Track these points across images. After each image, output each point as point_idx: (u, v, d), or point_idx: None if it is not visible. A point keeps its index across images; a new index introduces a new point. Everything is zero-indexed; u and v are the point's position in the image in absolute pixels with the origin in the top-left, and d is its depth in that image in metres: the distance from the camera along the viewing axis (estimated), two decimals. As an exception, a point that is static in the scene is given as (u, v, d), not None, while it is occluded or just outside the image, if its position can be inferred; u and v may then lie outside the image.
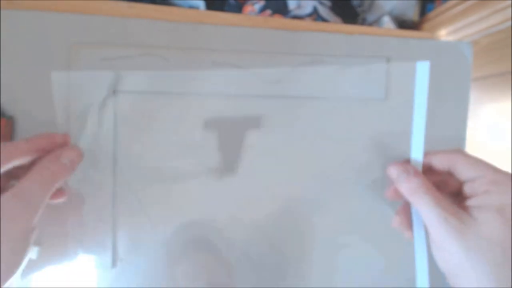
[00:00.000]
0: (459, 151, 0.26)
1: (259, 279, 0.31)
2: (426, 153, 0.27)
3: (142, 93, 0.29)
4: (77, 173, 0.29)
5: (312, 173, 0.31)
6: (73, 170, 0.26)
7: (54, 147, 0.25)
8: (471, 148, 0.38)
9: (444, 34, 0.57)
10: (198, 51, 0.29)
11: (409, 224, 0.27)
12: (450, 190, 0.27)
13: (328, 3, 0.58)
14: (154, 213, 0.30)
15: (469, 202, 0.24)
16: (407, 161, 0.27)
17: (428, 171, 0.27)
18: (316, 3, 0.57)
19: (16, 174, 0.25)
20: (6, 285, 0.22)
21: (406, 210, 0.27)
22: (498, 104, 0.49)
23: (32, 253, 0.28)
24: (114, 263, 0.30)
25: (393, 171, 0.27)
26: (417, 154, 0.26)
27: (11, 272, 0.22)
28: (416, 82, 0.26)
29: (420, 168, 0.26)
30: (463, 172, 0.25)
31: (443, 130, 0.32)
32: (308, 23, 0.34)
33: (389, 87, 0.31)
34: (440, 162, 0.26)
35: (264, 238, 0.31)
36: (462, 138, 0.33)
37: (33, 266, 0.29)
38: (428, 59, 0.32)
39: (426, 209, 0.24)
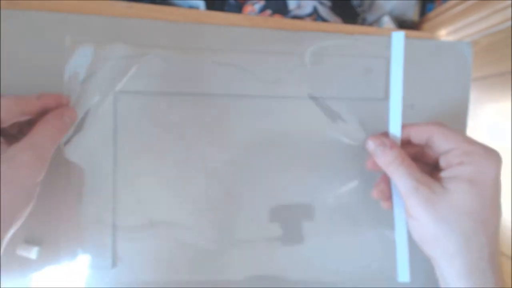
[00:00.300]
0: (437, 123, 0.26)
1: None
2: (405, 126, 0.27)
3: (142, 93, 0.29)
4: (77, 174, 0.29)
5: (311, 173, 0.31)
6: (69, 129, 0.27)
7: (57, 107, 0.26)
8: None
9: (444, 34, 0.57)
10: (198, 51, 0.29)
11: (388, 195, 0.28)
12: (428, 162, 0.28)
13: (328, 3, 0.58)
14: (154, 213, 0.30)
15: (443, 173, 0.25)
16: (385, 133, 0.27)
17: (407, 143, 0.27)
18: (316, 3, 0.57)
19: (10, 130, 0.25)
20: (4, 242, 0.22)
21: (385, 181, 0.28)
22: (498, 104, 0.49)
23: (32, 253, 0.28)
24: (114, 263, 0.30)
25: (370, 144, 0.27)
26: (395, 127, 0.26)
27: (14, 223, 0.22)
28: (391, 54, 0.26)
29: (398, 141, 0.26)
30: (439, 144, 0.25)
31: (443, 130, 0.32)
32: (308, 23, 0.34)
33: (389, 87, 0.31)
34: (417, 135, 0.26)
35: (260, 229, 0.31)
36: (462, 138, 0.33)
37: (33, 266, 0.29)
38: (428, 59, 0.32)
39: (400, 180, 0.25)
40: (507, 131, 0.46)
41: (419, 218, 0.24)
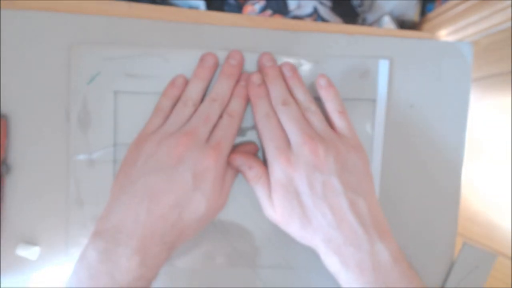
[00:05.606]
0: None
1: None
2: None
3: (142, 93, 0.29)
4: (77, 174, 0.29)
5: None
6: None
7: None
8: (471, 147, 0.38)
9: (444, 34, 0.57)
10: (198, 51, 0.29)
11: None
12: None
13: (328, 3, 0.58)
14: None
15: None
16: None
17: None
18: (316, 3, 0.57)
19: None
20: None
21: None
22: (498, 104, 0.49)
23: (32, 253, 0.28)
24: (114, 263, 0.30)
25: None
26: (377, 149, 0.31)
27: None
28: (378, 78, 0.30)
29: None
30: None
31: (443, 130, 0.32)
32: (308, 23, 0.34)
33: (389, 87, 0.31)
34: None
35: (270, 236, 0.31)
36: (462, 138, 0.33)
37: (33, 266, 0.29)
38: (428, 59, 0.32)
39: None
40: (507, 130, 0.46)
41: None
